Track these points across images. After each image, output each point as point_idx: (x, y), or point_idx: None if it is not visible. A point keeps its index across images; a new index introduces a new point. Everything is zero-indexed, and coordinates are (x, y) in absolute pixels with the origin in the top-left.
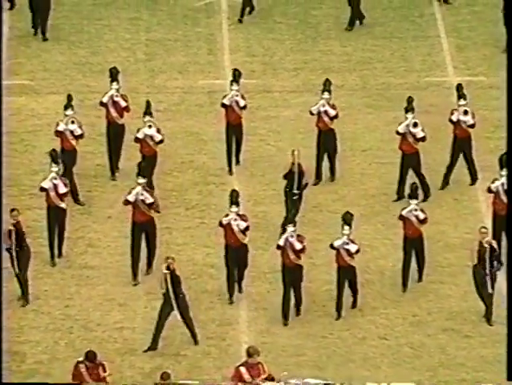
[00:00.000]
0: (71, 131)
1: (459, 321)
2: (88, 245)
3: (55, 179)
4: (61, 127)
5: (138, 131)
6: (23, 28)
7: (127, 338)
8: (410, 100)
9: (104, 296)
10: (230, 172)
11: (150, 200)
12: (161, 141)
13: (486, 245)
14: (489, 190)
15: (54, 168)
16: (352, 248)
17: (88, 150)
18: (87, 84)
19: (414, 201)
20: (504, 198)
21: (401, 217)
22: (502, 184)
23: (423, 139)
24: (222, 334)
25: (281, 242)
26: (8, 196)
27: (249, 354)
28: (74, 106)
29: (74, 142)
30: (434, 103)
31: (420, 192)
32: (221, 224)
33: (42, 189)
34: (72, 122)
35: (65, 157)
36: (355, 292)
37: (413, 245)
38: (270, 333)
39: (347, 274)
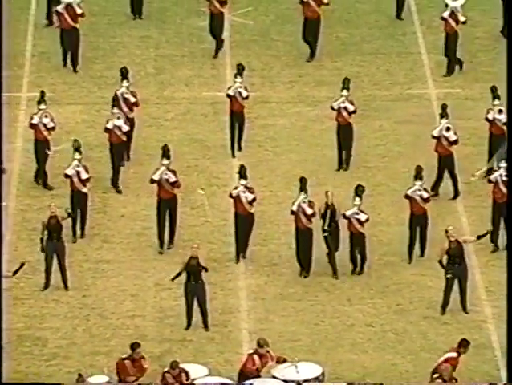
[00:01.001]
0: (44, 124)
1: (438, 309)
2: (103, 241)
3: (78, 166)
4: (35, 120)
5: (107, 122)
6: (45, 45)
7: (138, 325)
8: (444, 107)
9: (118, 287)
10: (233, 155)
11: (173, 178)
12: (129, 131)
13: (453, 246)
14: (489, 181)
15: (77, 157)
16: (362, 217)
17: (104, 155)
18: (102, 96)
19: (418, 182)
20: (502, 187)
21: (407, 196)
22: (501, 175)
23: (456, 142)
24: (224, 321)
25: (294, 208)
26: (32, 196)
27: (260, 345)
28: (46, 101)
29: (46, 133)
30: (416, 113)
31: (452, 191)
32: (230, 195)
33: (66, 176)
34: (45, 116)
35: (38, 147)
36: (363, 258)
37: (418, 221)
38: (267, 320)
39: (358, 240)
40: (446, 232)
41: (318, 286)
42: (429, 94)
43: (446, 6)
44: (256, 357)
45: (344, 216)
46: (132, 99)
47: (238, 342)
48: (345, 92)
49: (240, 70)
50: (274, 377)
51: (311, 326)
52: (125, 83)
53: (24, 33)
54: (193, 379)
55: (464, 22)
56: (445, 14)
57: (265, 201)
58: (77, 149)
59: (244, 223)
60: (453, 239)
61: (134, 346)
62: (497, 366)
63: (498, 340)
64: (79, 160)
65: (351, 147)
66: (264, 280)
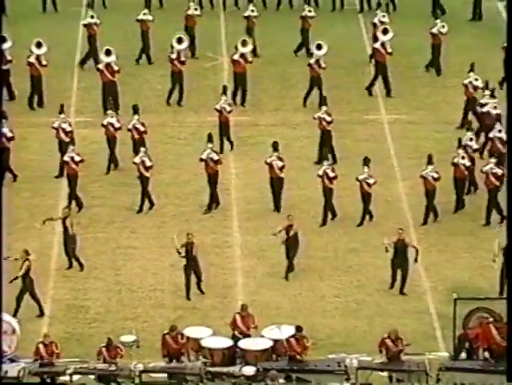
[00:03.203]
0: (63, 128)
1: (389, 284)
2: (131, 232)
3: (144, 156)
4: (55, 125)
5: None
6: (87, 81)
7: (158, 296)
8: (470, 123)
9: (142, 267)
10: (221, 151)
11: (216, 157)
12: (120, 128)
13: (399, 243)
14: (482, 171)
15: (143, 149)
16: (371, 181)
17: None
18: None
19: (430, 166)
20: (491, 178)
21: (421, 176)
22: (491, 168)
23: (477, 150)
24: (224, 293)
25: (320, 172)
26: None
27: (242, 309)
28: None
29: (64, 135)
30: (371, 134)
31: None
32: (266, 162)
33: (134, 163)
34: (64, 122)
35: (61, 146)
36: (370, 213)
37: (431, 196)
38: (258, 293)
39: (367, 198)
40: (400, 229)
41: (296, 267)
42: (381, 119)
43: (376, 39)
44: (238, 317)
45: (357, 179)
46: (142, 128)
47: (235, 309)
48: (324, 108)
49: (225, 89)
50: (262, 336)
51: (291, 297)
52: (136, 117)
53: (71, 72)
54: (199, 339)
55: (390, 53)
56: (376, 45)
57: (256, 201)
58: (143, 143)
59: (276, 184)
60: (401, 237)
61: (172, 328)
62: (433, 327)
63: (434, 307)
64: (145, 152)
65: (333, 148)
66: (255, 262)
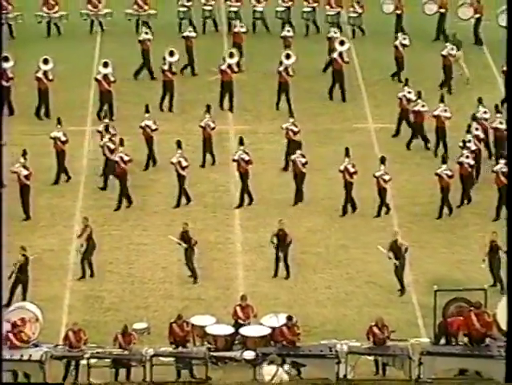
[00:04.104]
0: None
1: (376, 277)
2: (143, 230)
3: (180, 157)
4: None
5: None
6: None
7: (167, 288)
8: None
9: (153, 262)
10: (203, 165)
11: (247, 158)
12: (156, 129)
13: (398, 243)
14: (492, 171)
15: (179, 151)
16: (386, 177)
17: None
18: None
19: (444, 166)
20: (501, 177)
21: (437, 174)
22: (501, 168)
23: (473, 151)
24: (227, 286)
25: (341, 168)
26: (94, 199)
27: (242, 299)
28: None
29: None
30: (360, 141)
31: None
32: (291, 159)
33: (172, 163)
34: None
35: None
36: (387, 205)
37: (446, 192)
38: (257, 285)
39: (383, 192)
40: (395, 232)
41: (292, 262)
42: (369, 127)
43: (343, 43)
44: (238, 309)
45: (374, 175)
46: (154, 126)
47: (237, 300)
48: (291, 119)
49: (209, 108)
50: (261, 324)
51: (288, 289)
52: (147, 115)
53: (88, 84)
54: (204, 326)
55: (347, 62)
56: (335, 55)
57: (255, 201)
58: (180, 146)
59: (300, 178)
60: (394, 238)
61: (179, 317)
62: (415, 316)
63: (416, 298)
64: (181, 154)
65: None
66: (255, 257)
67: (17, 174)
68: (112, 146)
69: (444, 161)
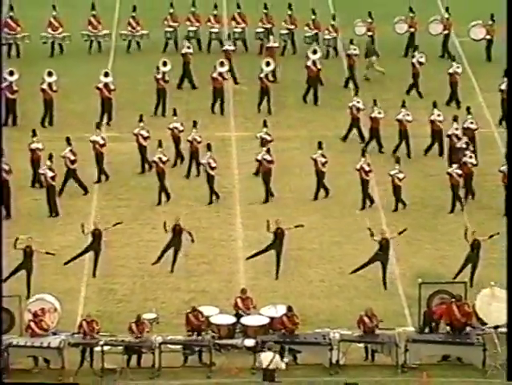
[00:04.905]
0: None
1: (366, 271)
2: (152, 228)
3: (210, 158)
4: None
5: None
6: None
7: (174, 281)
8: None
9: (162, 258)
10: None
11: (270, 158)
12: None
13: (383, 241)
14: (499, 170)
15: (207, 155)
16: (401, 175)
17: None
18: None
19: (455, 165)
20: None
21: (448, 173)
22: (506, 168)
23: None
24: (229, 279)
25: (357, 166)
26: (105, 199)
27: (242, 292)
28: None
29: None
30: (350, 148)
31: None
32: (311, 158)
33: (202, 164)
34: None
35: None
36: (403, 201)
37: (456, 189)
38: (257, 279)
39: (398, 190)
40: (382, 229)
41: (289, 257)
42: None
43: (315, 51)
44: (239, 300)
45: (389, 174)
46: (181, 128)
47: (238, 293)
48: (264, 129)
49: (195, 124)
50: (260, 314)
51: (285, 282)
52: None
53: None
54: (209, 316)
55: (319, 69)
56: (308, 63)
57: (255, 202)
58: (209, 149)
59: (320, 176)
60: (384, 236)
61: (193, 308)
62: (402, 306)
63: (402, 290)
64: (210, 156)
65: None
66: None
67: (43, 176)
68: (73, 157)
69: (454, 162)
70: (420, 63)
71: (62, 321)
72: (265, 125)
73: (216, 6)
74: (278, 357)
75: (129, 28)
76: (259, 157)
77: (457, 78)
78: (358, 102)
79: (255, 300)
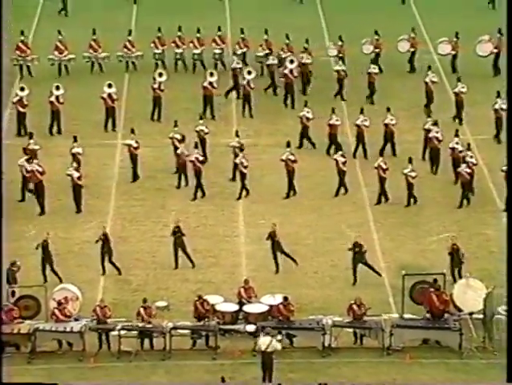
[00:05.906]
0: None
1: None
2: (164, 225)
3: (242, 158)
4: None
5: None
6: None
7: (183, 273)
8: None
9: (172, 252)
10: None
11: (293, 158)
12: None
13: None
14: (502, 170)
15: (240, 156)
16: (413, 174)
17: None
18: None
19: (464, 165)
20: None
21: (458, 172)
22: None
23: (461, 151)
24: (233, 271)
25: (376, 164)
26: (122, 199)
27: (245, 282)
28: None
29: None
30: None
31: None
32: (334, 158)
33: (235, 163)
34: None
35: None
36: (415, 198)
37: (466, 187)
38: (257, 271)
39: (411, 186)
40: (358, 234)
41: (286, 252)
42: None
43: (292, 61)
44: (242, 289)
45: (402, 172)
46: (206, 130)
47: (241, 283)
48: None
49: (183, 138)
50: (260, 303)
51: (283, 274)
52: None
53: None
54: (214, 304)
55: (296, 77)
56: (286, 71)
57: (256, 202)
58: (241, 149)
59: (341, 175)
60: (358, 240)
61: (200, 297)
62: (387, 296)
63: (388, 281)
64: (243, 156)
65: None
66: (256, 248)
67: (70, 176)
68: (29, 167)
69: (463, 161)
70: (433, 82)
71: (83, 308)
72: (237, 134)
73: (180, 30)
74: (274, 341)
75: (125, 50)
76: (284, 157)
77: (462, 97)
78: (308, 112)
79: (256, 290)
